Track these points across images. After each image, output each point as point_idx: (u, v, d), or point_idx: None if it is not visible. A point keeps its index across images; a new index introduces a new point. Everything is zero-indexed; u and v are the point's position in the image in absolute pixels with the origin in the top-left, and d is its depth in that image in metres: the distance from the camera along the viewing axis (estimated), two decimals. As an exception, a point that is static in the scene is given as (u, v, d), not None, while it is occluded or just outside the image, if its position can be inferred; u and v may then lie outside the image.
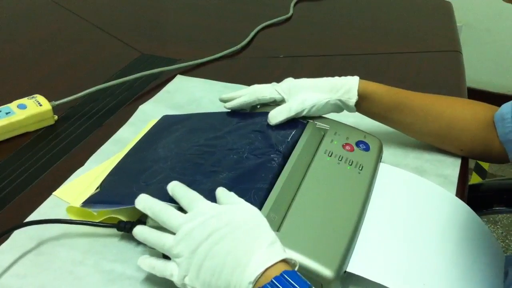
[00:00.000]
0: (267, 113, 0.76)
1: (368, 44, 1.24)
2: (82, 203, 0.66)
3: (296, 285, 0.49)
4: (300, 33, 1.30)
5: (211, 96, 0.97)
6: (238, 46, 1.17)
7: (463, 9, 1.91)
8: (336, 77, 0.78)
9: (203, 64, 1.10)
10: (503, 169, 2.22)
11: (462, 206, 0.72)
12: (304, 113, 0.75)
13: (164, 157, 0.72)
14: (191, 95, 0.97)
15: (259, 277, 0.50)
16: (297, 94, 0.76)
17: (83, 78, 1.03)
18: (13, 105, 0.85)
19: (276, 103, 0.78)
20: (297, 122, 0.76)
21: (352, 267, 0.58)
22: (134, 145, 0.78)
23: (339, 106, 0.77)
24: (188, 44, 1.23)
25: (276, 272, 0.50)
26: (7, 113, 0.84)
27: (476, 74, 2.29)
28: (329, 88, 0.76)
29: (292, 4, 1.40)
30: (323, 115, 0.78)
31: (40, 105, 0.86)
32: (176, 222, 0.56)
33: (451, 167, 0.80)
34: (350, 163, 0.70)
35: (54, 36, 1.23)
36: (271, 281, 0.49)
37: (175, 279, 0.55)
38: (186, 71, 1.07)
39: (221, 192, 0.60)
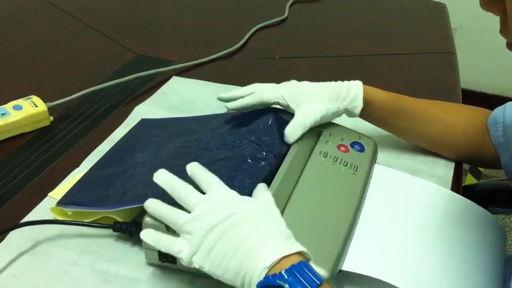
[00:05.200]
0: (246, 113, 0.77)
1: (363, 46, 1.24)
2: (57, 202, 0.67)
3: (312, 277, 0.49)
4: (295, 34, 1.30)
5: (206, 97, 0.97)
6: (234, 47, 1.17)
7: (458, 11, 1.91)
8: (339, 82, 0.77)
9: (199, 65, 1.10)
10: (497, 171, 2.22)
11: (460, 199, 0.72)
12: (316, 124, 0.74)
13: (142, 162, 0.72)
14: (187, 96, 0.98)
15: (274, 264, 0.50)
16: (304, 104, 0.75)
17: (78, 79, 1.04)
18: (8, 106, 0.85)
19: (279, 106, 0.78)
20: (268, 110, 0.77)
21: (347, 266, 0.59)
22: (111, 148, 0.79)
23: (344, 114, 0.78)
24: (184, 45, 1.23)
25: (291, 262, 0.50)
26: (2, 114, 0.84)
27: (471, 76, 2.30)
28: (335, 97, 0.76)
29: (287, 6, 1.40)
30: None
31: (36, 106, 0.86)
32: (194, 200, 0.55)
33: (445, 167, 0.80)
34: (345, 164, 0.70)
35: (49, 37, 1.23)
36: (289, 268, 0.49)
37: (183, 255, 0.54)
38: (182, 72, 1.07)
39: (261, 188, 0.60)
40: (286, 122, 0.74)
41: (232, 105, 0.80)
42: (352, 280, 0.60)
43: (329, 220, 0.62)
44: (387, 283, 0.58)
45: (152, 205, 0.58)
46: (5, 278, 0.60)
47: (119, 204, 0.63)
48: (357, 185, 0.68)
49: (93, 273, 0.61)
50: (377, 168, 0.74)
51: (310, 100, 0.75)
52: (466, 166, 2.27)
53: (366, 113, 0.78)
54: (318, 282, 0.49)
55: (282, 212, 0.62)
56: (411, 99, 0.80)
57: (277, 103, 0.77)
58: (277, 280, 0.48)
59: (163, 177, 0.59)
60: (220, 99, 0.82)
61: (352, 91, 0.76)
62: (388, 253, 0.62)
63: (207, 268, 0.53)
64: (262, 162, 0.67)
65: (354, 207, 0.65)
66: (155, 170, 0.68)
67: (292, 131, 0.72)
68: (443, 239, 0.66)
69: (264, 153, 0.68)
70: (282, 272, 0.49)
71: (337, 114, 0.77)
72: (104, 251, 0.64)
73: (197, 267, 0.54)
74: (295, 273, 0.49)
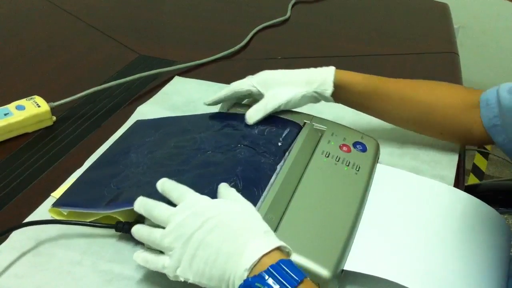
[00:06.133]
0: (240, 114, 0.77)
1: (365, 46, 1.24)
2: (53, 204, 0.67)
3: (292, 274, 0.49)
4: (297, 34, 1.30)
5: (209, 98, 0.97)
6: (236, 48, 1.17)
7: (460, 11, 1.91)
8: (312, 69, 0.79)
9: (201, 65, 1.10)
10: (500, 171, 2.22)
11: (464, 196, 0.71)
12: (281, 108, 0.76)
13: (136, 162, 0.72)
14: (189, 96, 0.98)
15: (255, 264, 0.50)
16: (272, 89, 0.77)
17: (81, 79, 1.04)
18: (11, 106, 0.86)
19: (252, 96, 0.79)
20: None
21: (349, 265, 0.59)
22: (107, 149, 0.79)
23: (316, 98, 0.78)
24: (186, 45, 1.23)
25: (272, 260, 0.50)
26: (5, 114, 0.84)
27: (473, 76, 2.30)
28: (304, 81, 0.77)
29: (289, 6, 1.40)
30: (319, 116, 0.78)
31: (39, 106, 0.86)
32: (165, 215, 0.56)
33: (448, 167, 0.80)
34: (347, 164, 0.70)
35: (52, 37, 1.23)
36: (267, 269, 0.49)
37: (167, 271, 0.55)
38: (184, 73, 1.07)
39: (223, 187, 0.60)
40: (283, 126, 0.75)
41: (208, 101, 0.81)
42: (354, 281, 0.60)
43: (331, 220, 0.62)
44: (389, 282, 0.58)
45: (135, 231, 0.58)
46: (8, 278, 0.60)
47: (113, 206, 0.64)
48: (359, 185, 0.68)
49: (95, 273, 0.61)
50: (379, 167, 0.74)
51: (279, 85, 0.77)
52: (468, 167, 2.27)
53: (343, 97, 0.78)
54: (298, 280, 0.49)
55: (284, 212, 0.62)
56: (388, 79, 0.80)
57: (250, 91, 0.78)
58: (256, 283, 0.49)
59: (139, 203, 0.59)
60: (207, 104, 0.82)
61: (322, 75, 0.77)
62: (391, 252, 0.62)
63: (192, 279, 0.53)
64: (258, 166, 0.67)
65: (356, 207, 0.65)
66: (149, 171, 0.68)
67: (252, 113, 0.75)
68: (448, 237, 0.65)
69: (260, 157, 0.68)
70: (262, 273, 0.49)
71: (307, 98, 0.77)
72: (106, 251, 0.64)
73: (182, 280, 0.54)
74: (274, 273, 0.49)
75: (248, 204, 0.57)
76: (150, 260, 0.57)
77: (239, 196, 0.59)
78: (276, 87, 0.77)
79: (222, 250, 0.52)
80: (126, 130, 0.84)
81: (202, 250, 0.53)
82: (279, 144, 0.71)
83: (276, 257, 0.51)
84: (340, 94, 0.77)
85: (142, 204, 0.59)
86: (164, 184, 0.60)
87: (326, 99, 0.77)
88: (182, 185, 0.59)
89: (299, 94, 0.76)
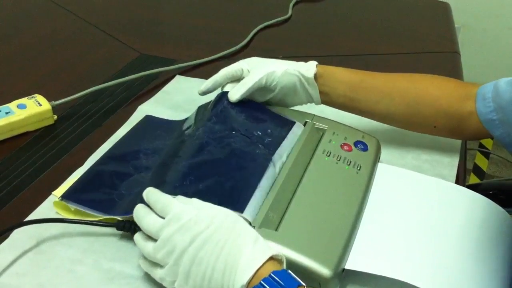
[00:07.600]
0: (237, 107, 0.77)
1: (367, 45, 1.24)
2: (61, 196, 0.67)
3: (283, 285, 0.49)
4: (299, 33, 1.30)
5: (210, 96, 0.97)
6: (237, 47, 1.17)
7: (461, 10, 1.91)
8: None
9: (202, 64, 1.10)
10: (501, 170, 2.22)
11: (469, 193, 0.71)
12: (263, 82, 0.76)
13: (146, 167, 0.73)
14: (190, 95, 0.98)
15: (251, 278, 0.50)
16: (260, 67, 0.78)
17: (82, 78, 1.04)
18: (12, 105, 0.86)
19: (244, 76, 0.79)
20: (258, 105, 0.78)
21: (350, 264, 0.59)
22: (116, 143, 0.79)
23: (300, 80, 0.77)
24: (187, 44, 1.23)
25: (265, 271, 0.50)
26: (6, 113, 0.84)
27: (474, 75, 2.30)
28: (289, 63, 0.79)
29: (291, 5, 1.40)
30: (321, 116, 0.78)
31: (40, 105, 0.87)
32: (155, 228, 0.56)
33: (449, 167, 0.80)
34: (348, 163, 0.70)
35: (53, 36, 1.23)
36: (260, 283, 0.49)
37: (165, 283, 0.56)
38: (185, 72, 1.07)
39: (183, 199, 0.59)
40: (277, 120, 0.75)
41: (201, 88, 0.81)
42: (355, 280, 0.60)
43: (332, 219, 0.62)
44: (390, 280, 0.58)
45: (134, 239, 0.59)
46: (9, 276, 0.60)
47: (123, 213, 0.64)
48: (360, 184, 0.68)
49: (97, 272, 0.61)
50: (381, 166, 0.74)
51: (266, 64, 0.78)
52: (469, 166, 2.27)
53: (328, 89, 0.78)
54: None
55: (285, 211, 0.62)
56: (374, 72, 0.80)
57: (241, 70, 0.79)
58: None
59: (135, 212, 0.59)
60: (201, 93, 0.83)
61: (307, 63, 0.79)
62: (392, 251, 0.61)
63: None
64: (252, 156, 0.67)
65: (357, 206, 0.65)
66: (158, 177, 0.68)
67: (234, 90, 0.76)
68: (452, 234, 0.65)
69: (254, 147, 0.68)
70: (255, 287, 0.49)
71: (290, 76, 0.77)
72: (108, 250, 0.64)
73: None
74: (266, 287, 0.49)
75: (229, 211, 0.57)
76: (151, 271, 0.58)
77: (208, 204, 0.58)
78: (261, 67, 0.78)
79: (216, 266, 0.52)
80: (136, 125, 0.84)
81: (197, 266, 0.53)
82: (273, 136, 0.71)
83: (269, 268, 0.51)
84: (325, 86, 0.78)
85: (135, 214, 0.59)
86: (148, 195, 0.60)
87: (309, 81, 0.77)
88: (165, 196, 0.59)
89: (282, 69, 0.77)
